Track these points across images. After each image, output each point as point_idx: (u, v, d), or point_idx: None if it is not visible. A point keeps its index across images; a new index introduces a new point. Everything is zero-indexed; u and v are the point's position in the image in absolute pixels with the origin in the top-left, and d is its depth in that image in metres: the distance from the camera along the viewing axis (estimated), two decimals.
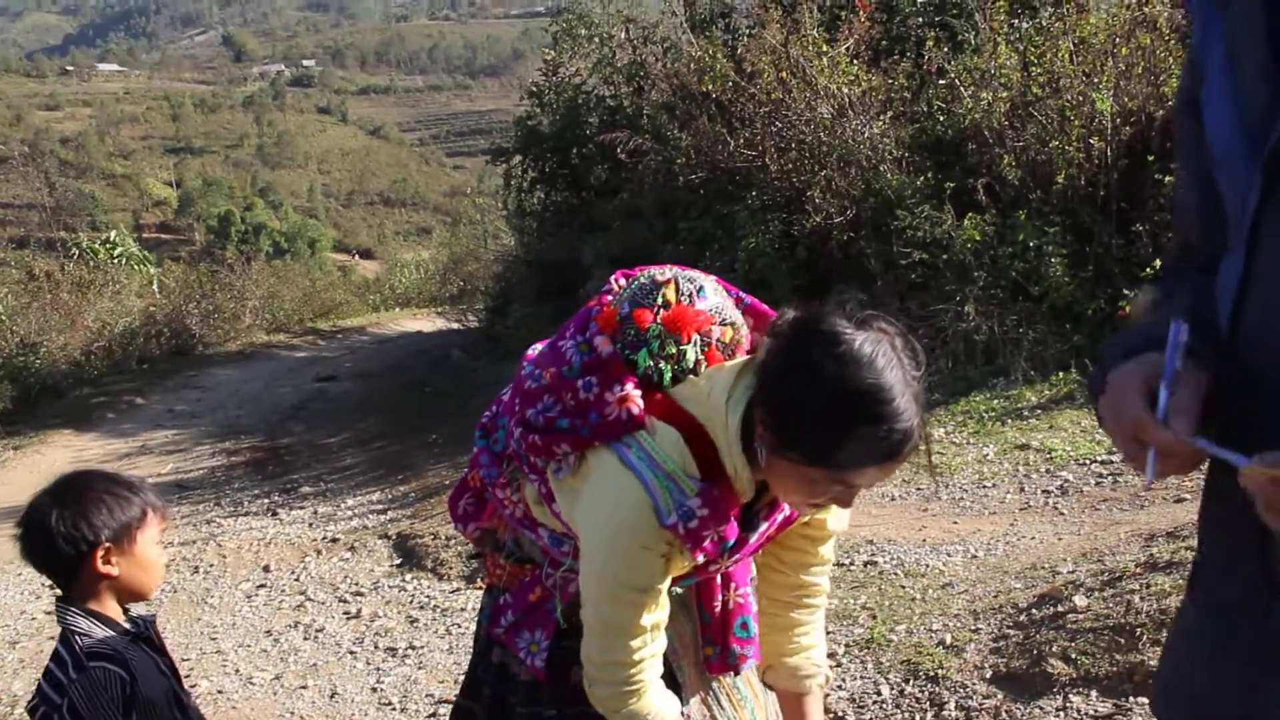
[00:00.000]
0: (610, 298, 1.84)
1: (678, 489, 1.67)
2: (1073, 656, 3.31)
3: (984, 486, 5.46)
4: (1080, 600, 3.64)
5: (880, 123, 8.48)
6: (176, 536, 6.82)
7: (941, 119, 8.67)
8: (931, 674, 3.51)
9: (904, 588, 4.30)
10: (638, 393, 1.71)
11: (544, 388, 1.79)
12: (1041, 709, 3.16)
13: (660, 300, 1.75)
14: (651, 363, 1.72)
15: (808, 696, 2.02)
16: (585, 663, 1.79)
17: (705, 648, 2.00)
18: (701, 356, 1.73)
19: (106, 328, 16.34)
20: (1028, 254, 7.31)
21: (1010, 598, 3.98)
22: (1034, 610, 3.76)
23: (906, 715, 3.34)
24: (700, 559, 1.74)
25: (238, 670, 4.70)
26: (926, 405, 1.57)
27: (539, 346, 1.95)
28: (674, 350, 1.72)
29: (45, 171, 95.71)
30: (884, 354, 1.52)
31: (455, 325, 16.92)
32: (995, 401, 6.70)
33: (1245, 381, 1.04)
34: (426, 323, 19.73)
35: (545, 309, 11.99)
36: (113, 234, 30.39)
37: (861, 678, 3.61)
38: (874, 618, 4.05)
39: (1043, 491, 5.21)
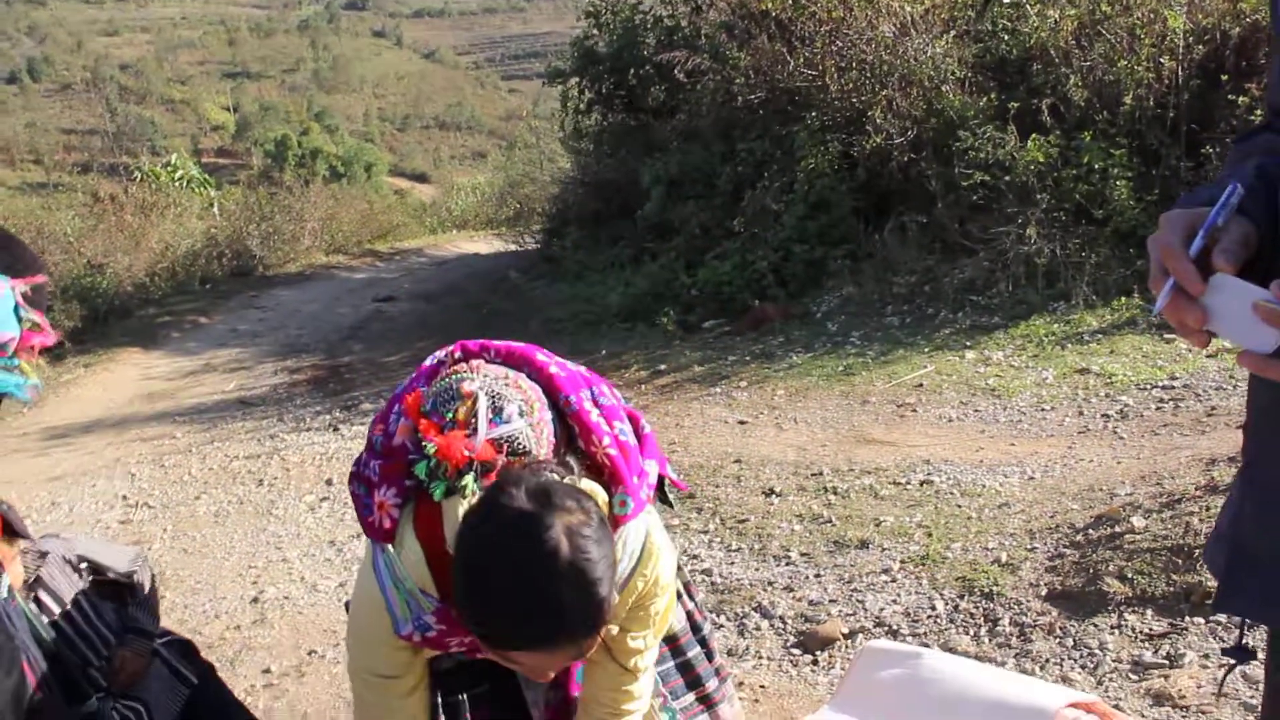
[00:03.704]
0: (442, 369, 1.84)
1: (416, 604, 1.71)
2: (1129, 576, 3.31)
3: (1042, 410, 5.42)
4: (1138, 521, 3.63)
5: (943, 42, 8.32)
6: (242, 450, 6.98)
7: (1006, 38, 8.48)
8: (986, 591, 3.53)
9: (960, 507, 4.31)
10: (397, 502, 1.73)
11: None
12: (1096, 626, 3.17)
13: (449, 417, 1.70)
14: (426, 478, 1.69)
15: None
16: None
17: None
18: (476, 486, 1.65)
19: (169, 249, 16.51)
20: (1092, 176, 7.18)
21: (1067, 518, 3.98)
22: (1090, 530, 3.76)
23: (960, 629, 3.36)
24: (461, 651, 1.82)
25: (303, 578, 4.83)
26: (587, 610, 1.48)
27: (429, 362, 1.93)
28: (446, 472, 1.67)
29: (106, 97, 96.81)
30: (513, 542, 1.47)
31: (512, 247, 16.91)
32: (1055, 325, 6.62)
33: None
34: (484, 244, 19.75)
35: (602, 230, 11.99)
36: (173, 157, 30.68)
37: (916, 593, 3.63)
38: (929, 535, 4.06)
39: (1102, 415, 5.17)
